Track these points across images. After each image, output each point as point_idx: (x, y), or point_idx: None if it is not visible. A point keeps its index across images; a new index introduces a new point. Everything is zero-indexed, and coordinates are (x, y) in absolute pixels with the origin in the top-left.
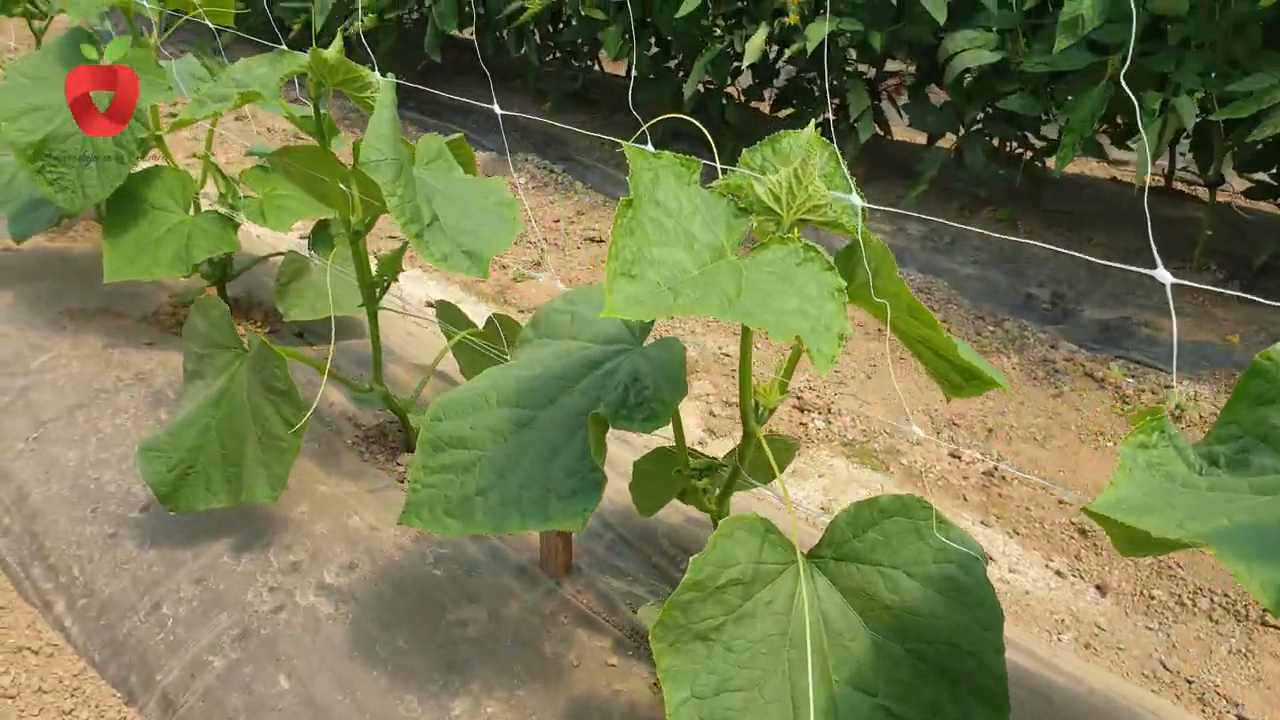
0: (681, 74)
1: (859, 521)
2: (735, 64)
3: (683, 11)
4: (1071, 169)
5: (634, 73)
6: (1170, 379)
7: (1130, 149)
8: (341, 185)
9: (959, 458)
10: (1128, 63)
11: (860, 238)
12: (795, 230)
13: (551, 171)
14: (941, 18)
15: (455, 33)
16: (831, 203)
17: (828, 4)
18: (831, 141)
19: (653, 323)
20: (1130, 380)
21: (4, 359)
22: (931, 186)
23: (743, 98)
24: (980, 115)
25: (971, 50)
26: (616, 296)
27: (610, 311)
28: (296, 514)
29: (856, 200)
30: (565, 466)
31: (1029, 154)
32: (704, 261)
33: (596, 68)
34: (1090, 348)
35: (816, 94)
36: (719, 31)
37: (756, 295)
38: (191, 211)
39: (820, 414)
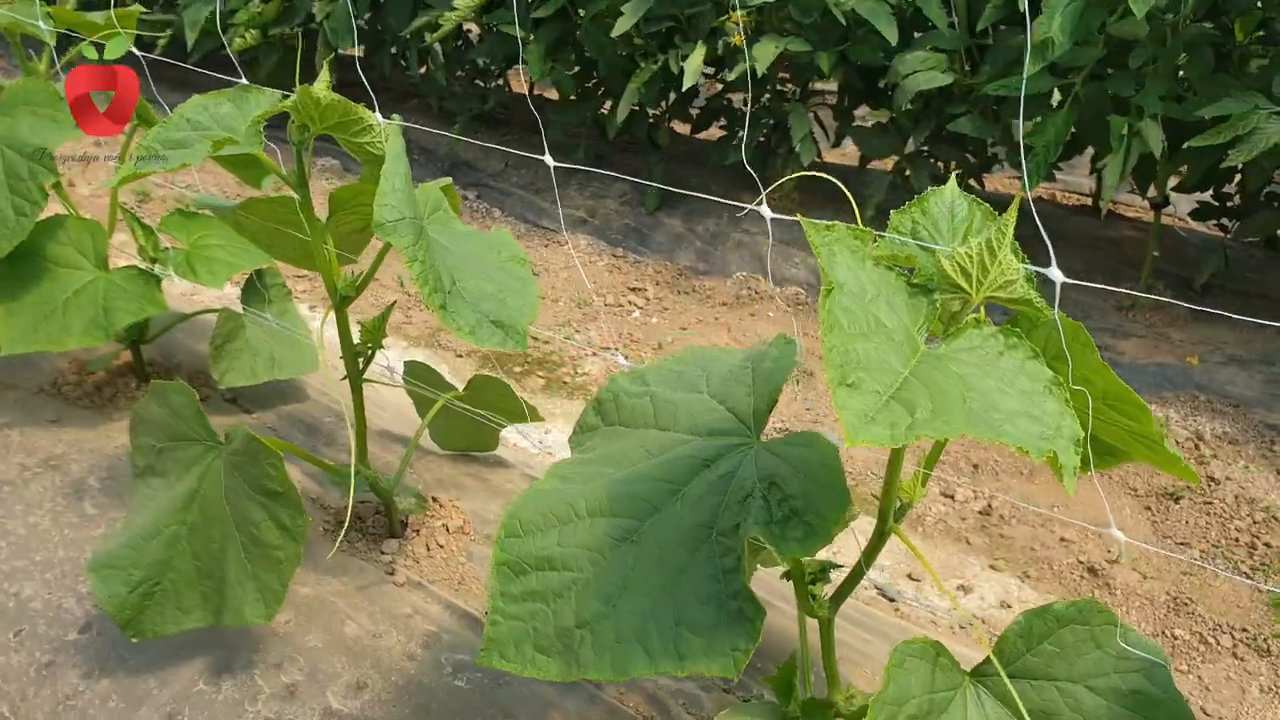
0: (603, 94)
1: (1032, 633)
2: (663, 85)
3: (618, 30)
4: (1002, 188)
5: (534, 93)
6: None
7: (1062, 170)
8: (333, 246)
9: (952, 497)
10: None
11: (1053, 316)
12: (983, 310)
13: (465, 199)
14: (893, 38)
15: (345, 50)
16: (1023, 277)
17: (756, 22)
18: (765, 168)
19: (771, 409)
20: None
21: None
22: (875, 211)
23: (665, 118)
24: (925, 137)
25: (924, 72)
26: (849, 416)
27: (851, 441)
28: (279, 624)
29: (1057, 274)
30: (696, 592)
31: (969, 176)
32: (906, 357)
33: (506, 87)
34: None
35: (740, 113)
36: (651, 51)
37: (979, 398)
38: (104, 268)
39: None
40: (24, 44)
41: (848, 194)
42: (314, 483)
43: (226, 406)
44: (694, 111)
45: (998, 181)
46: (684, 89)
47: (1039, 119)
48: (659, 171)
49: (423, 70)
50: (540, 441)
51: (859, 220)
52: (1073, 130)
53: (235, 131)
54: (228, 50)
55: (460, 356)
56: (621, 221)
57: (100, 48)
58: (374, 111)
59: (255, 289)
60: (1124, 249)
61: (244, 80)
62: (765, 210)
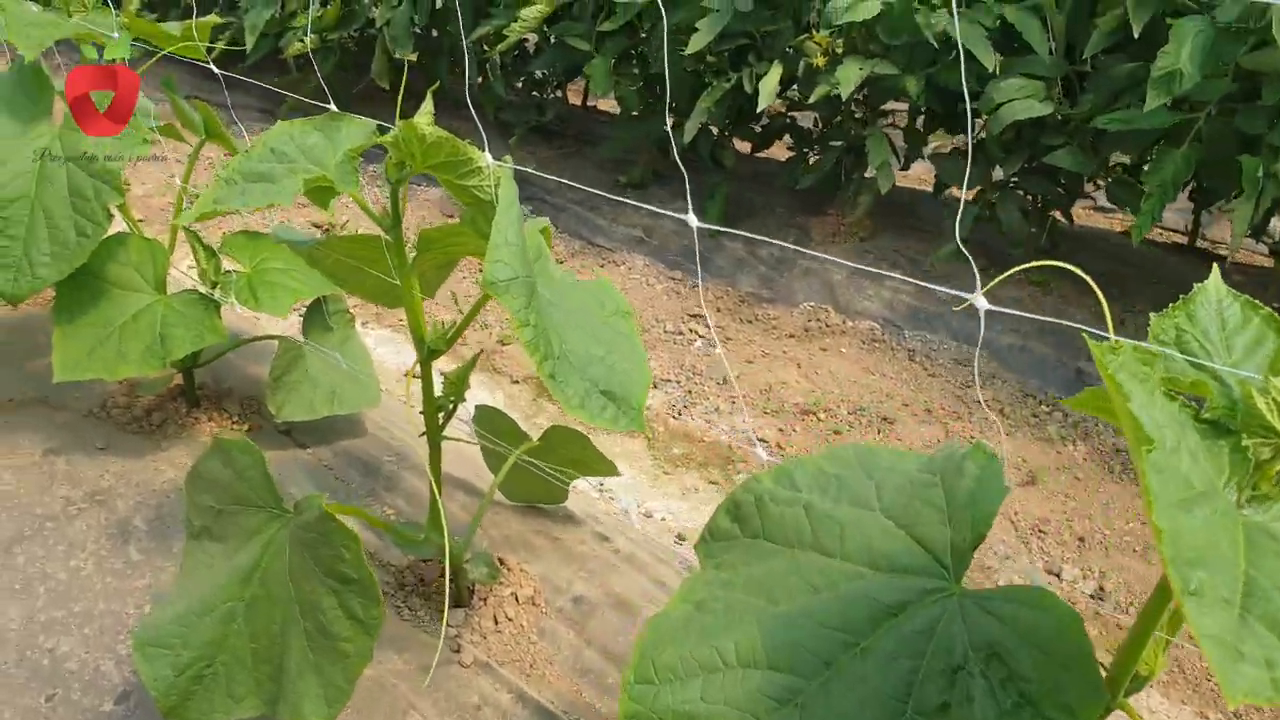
0: (669, 111)
1: None
2: (732, 104)
3: (692, 47)
4: (1082, 219)
5: (588, 106)
6: None
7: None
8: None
9: (1058, 575)
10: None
11: None
12: None
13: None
14: (990, 64)
15: (402, 56)
16: None
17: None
18: (838, 191)
19: (976, 545)
20: None
21: None
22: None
23: (729, 137)
24: (1018, 169)
25: (1020, 100)
26: (1214, 652)
27: (1233, 700)
28: None
29: None
30: None
31: (1056, 211)
32: (1234, 537)
33: (564, 100)
34: None
35: (808, 133)
36: (723, 69)
37: None
38: (163, 291)
39: None
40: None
41: (1086, 280)
42: (373, 534)
43: (279, 439)
44: (756, 129)
45: (1078, 214)
46: (759, 109)
47: (1155, 157)
48: (722, 192)
49: (480, 80)
50: (601, 486)
51: (1109, 322)
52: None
53: (324, 165)
54: (284, 54)
55: (516, 383)
56: (680, 242)
57: (100, 48)
58: (483, 149)
59: (318, 316)
60: None
61: (281, 94)
62: (692, 219)
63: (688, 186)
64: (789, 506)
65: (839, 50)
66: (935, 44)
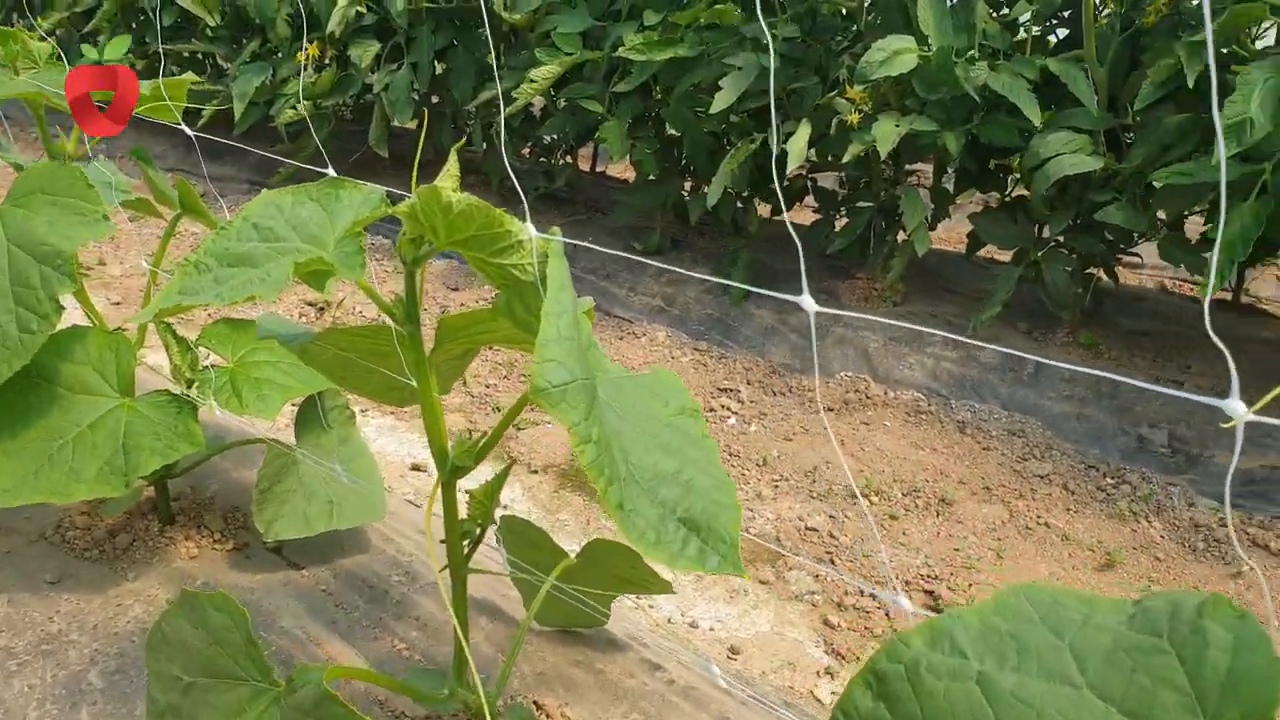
0: (685, 174)
1: None
2: (756, 166)
3: (715, 107)
4: (1126, 277)
5: (597, 172)
6: None
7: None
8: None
9: None
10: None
11: None
12: None
13: None
14: (1037, 119)
15: (402, 124)
16: None
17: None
18: (867, 254)
19: None
20: None
21: None
22: (1001, 309)
23: (751, 200)
24: (1064, 227)
25: (1069, 155)
26: None
27: None
28: None
29: None
30: None
31: (1101, 270)
32: None
33: (575, 165)
34: (1239, 505)
35: (832, 194)
36: (747, 130)
37: None
38: (129, 392)
39: None
40: (49, 117)
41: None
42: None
43: (269, 560)
44: (776, 191)
45: (1136, 275)
46: (787, 171)
47: (1227, 211)
48: (744, 258)
49: (484, 146)
50: (637, 596)
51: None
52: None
53: (321, 243)
54: (275, 123)
55: (534, 473)
56: (703, 311)
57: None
58: (525, 219)
59: (312, 413)
60: None
61: (281, 158)
62: (808, 302)
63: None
64: (955, 681)
65: (867, 107)
66: (977, 98)
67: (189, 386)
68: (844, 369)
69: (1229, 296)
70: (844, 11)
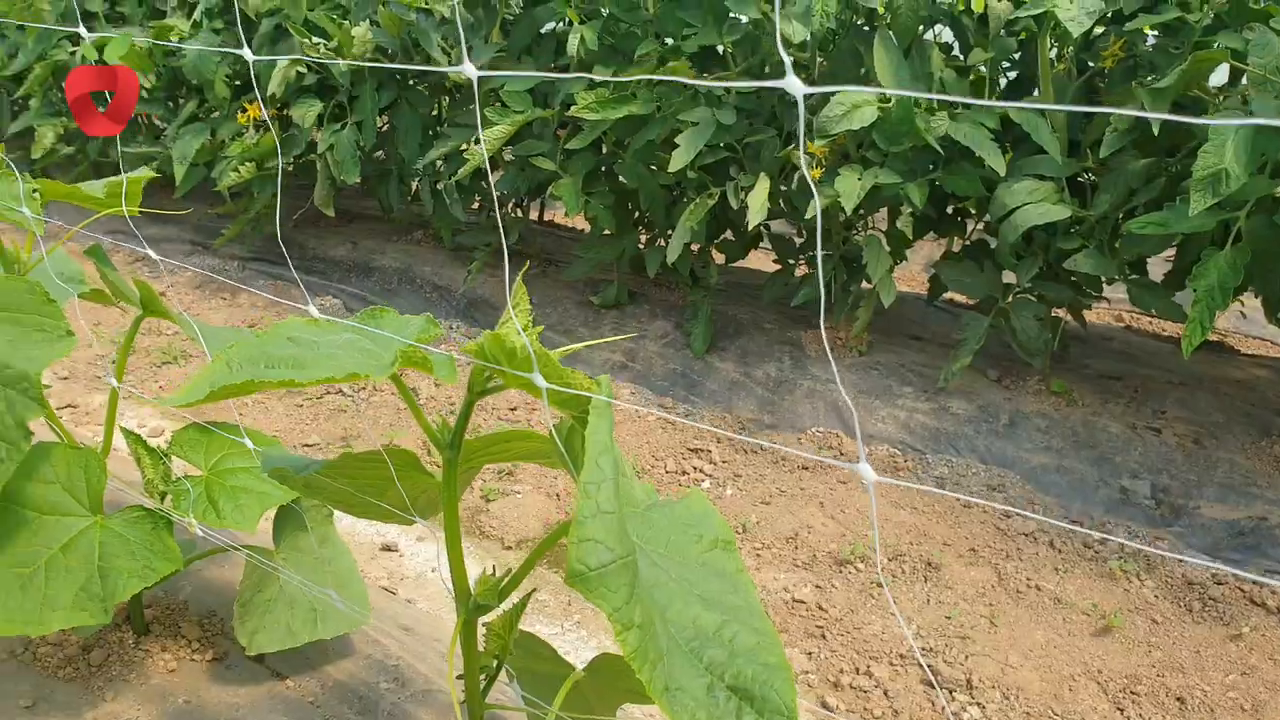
0: (641, 227)
1: None
2: (716, 220)
3: (674, 165)
4: (1098, 317)
5: (548, 223)
6: None
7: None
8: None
9: None
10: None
11: None
12: None
13: None
14: (1002, 168)
15: (349, 181)
16: None
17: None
18: (830, 303)
19: None
20: None
21: None
22: (972, 358)
23: (708, 251)
24: (1032, 275)
25: (1034, 205)
26: None
27: None
28: None
29: None
30: None
31: (1069, 316)
32: None
33: (527, 219)
34: (1230, 559)
35: (788, 241)
36: (704, 184)
37: None
38: (100, 510)
39: (962, 690)
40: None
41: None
42: None
43: (250, 669)
44: (731, 239)
45: (1094, 313)
46: (749, 226)
47: (1200, 259)
48: (705, 310)
49: (433, 204)
50: None
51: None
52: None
53: (376, 355)
54: (217, 186)
55: (509, 549)
56: (666, 366)
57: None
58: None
59: (292, 515)
60: (1260, 392)
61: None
62: (867, 471)
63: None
64: None
65: (826, 161)
66: (938, 148)
67: (162, 500)
68: (815, 424)
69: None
70: (795, 62)
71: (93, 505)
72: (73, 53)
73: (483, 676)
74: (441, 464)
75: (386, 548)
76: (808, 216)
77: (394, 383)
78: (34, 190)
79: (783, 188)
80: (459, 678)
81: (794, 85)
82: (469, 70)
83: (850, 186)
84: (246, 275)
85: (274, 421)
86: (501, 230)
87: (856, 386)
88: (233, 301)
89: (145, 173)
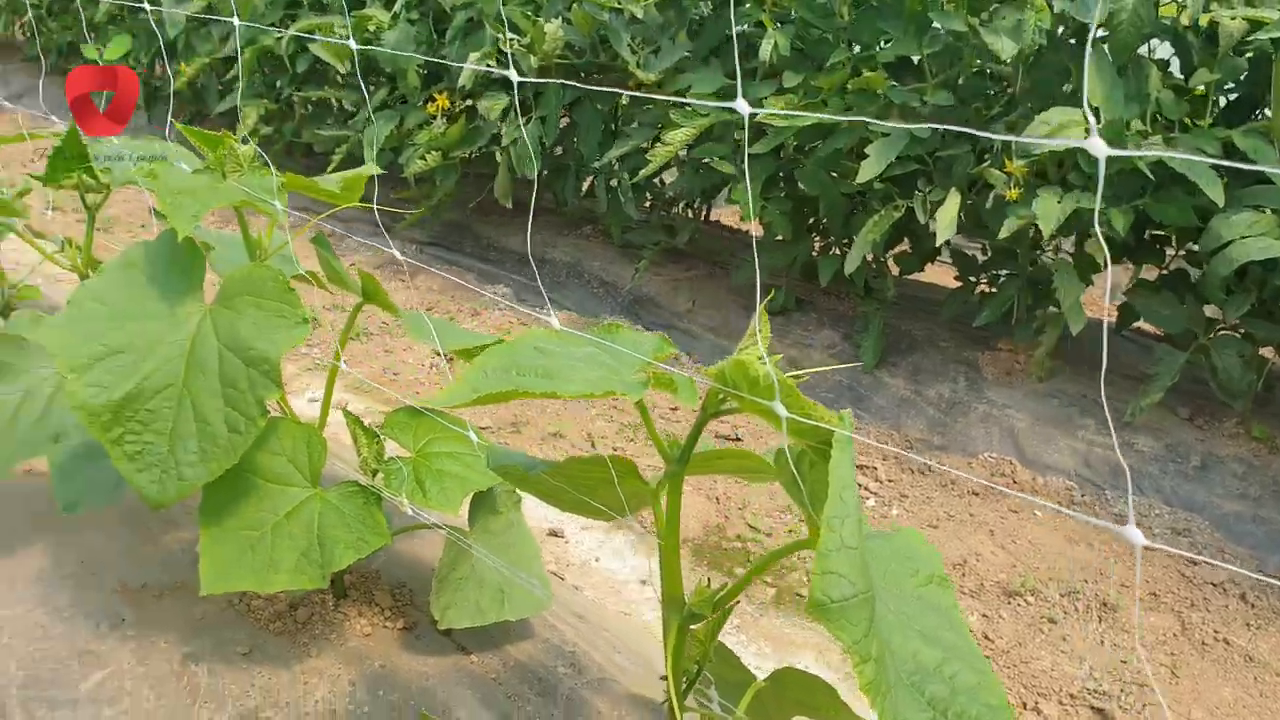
0: (816, 235)
1: None
2: (897, 232)
3: (863, 176)
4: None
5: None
6: None
7: None
8: None
9: None
10: None
11: None
12: None
13: None
14: (1220, 198)
15: (525, 174)
16: None
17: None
18: (1013, 323)
19: None
20: None
21: (41, 674)
22: (1163, 394)
23: (885, 263)
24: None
25: (1254, 239)
26: None
27: None
28: None
29: None
30: None
31: (1277, 356)
32: None
33: (699, 221)
34: None
35: (971, 258)
36: (890, 195)
37: None
38: (318, 483)
39: None
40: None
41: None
42: None
43: (437, 640)
44: (906, 250)
45: None
46: (937, 244)
47: None
48: (877, 323)
49: (608, 200)
50: None
51: None
52: None
53: (614, 369)
54: (404, 172)
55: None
56: (833, 378)
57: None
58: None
59: (484, 498)
60: None
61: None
62: (1135, 535)
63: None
64: None
65: (1021, 181)
66: (1149, 174)
67: (373, 477)
68: (988, 449)
69: None
70: (992, 74)
71: (313, 477)
72: (279, 38)
73: (685, 679)
74: (663, 472)
75: (553, 533)
76: (1001, 237)
77: (639, 409)
78: (282, 182)
79: (968, 202)
80: (661, 678)
81: (1096, 147)
82: (741, 108)
83: (1050, 209)
84: (424, 259)
85: None
86: (673, 231)
87: (1034, 414)
88: (410, 284)
89: (370, 168)
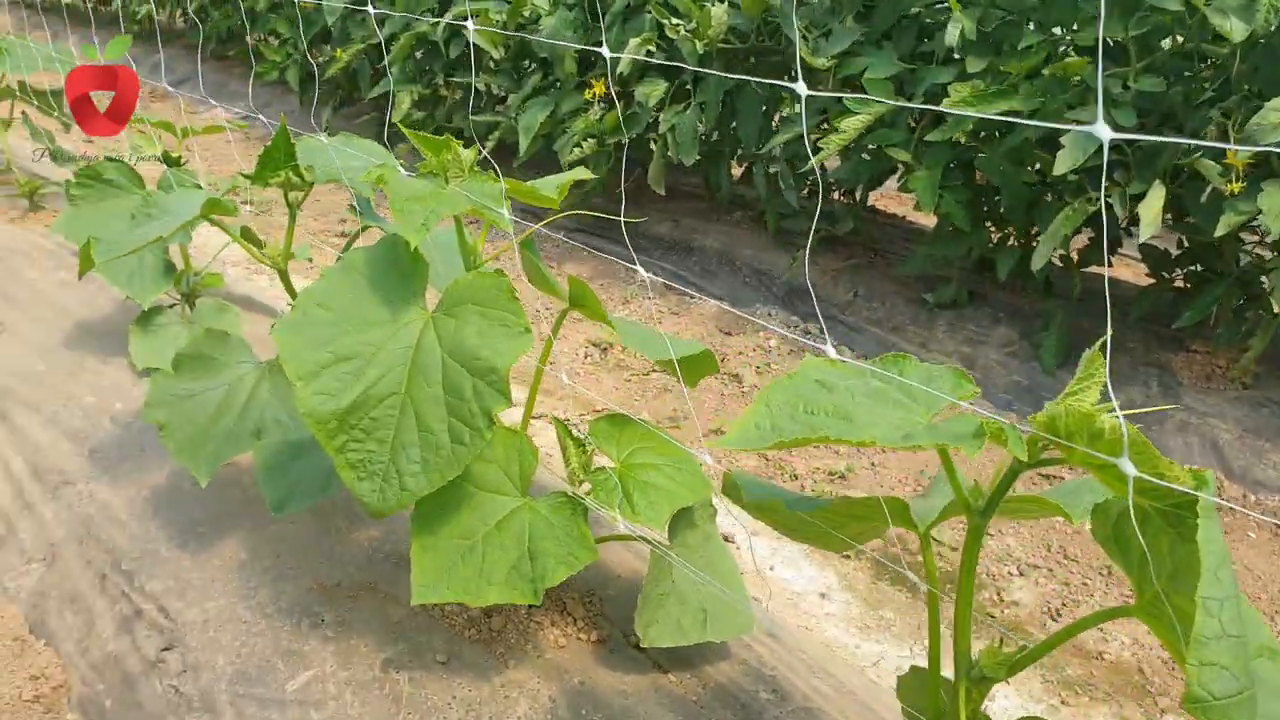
0: (994, 227)
1: None
2: (1085, 224)
3: (1059, 168)
4: None
5: (875, 212)
6: None
7: None
8: None
9: None
10: None
11: None
12: None
13: (808, 333)
14: None
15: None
16: None
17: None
18: (1213, 326)
19: None
20: None
21: (248, 671)
22: None
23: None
24: None
25: None
26: None
27: None
28: None
29: None
30: None
31: None
32: None
33: (862, 210)
34: None
35: (1164, 254)
36: (1083, 188)
37: None
38: (527, 493)
39: None
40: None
41: None
42: None
43: (632, 656)
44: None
45: None
46: (1141, 239)
47: None
48: (1059, 321)
49: (765, 187)
50: None
51: None
52: None
53: (911, 409)
54: (561, 159)
55: (847, 558)
56: (1009, 378)
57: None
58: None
59: (684, 512)
60: None
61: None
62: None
63: None
64: None
65: (1241, 174)
66: None
67: (580, 487)
68: (1187, 460)
69: None
70: (1202, 56)
71: (523, 487)
72: (434, 23)
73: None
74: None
75: (725, 538)
76: (1218, 235)
77: (939, 453)
78: (505, 192)
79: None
80: None
81: None
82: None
83: (1277, 205)
84: (572, 246)
85: (606, 394)
86: (834, 218)
87: (1240, 424)
88: (558, 271)
89: (580, 172)
